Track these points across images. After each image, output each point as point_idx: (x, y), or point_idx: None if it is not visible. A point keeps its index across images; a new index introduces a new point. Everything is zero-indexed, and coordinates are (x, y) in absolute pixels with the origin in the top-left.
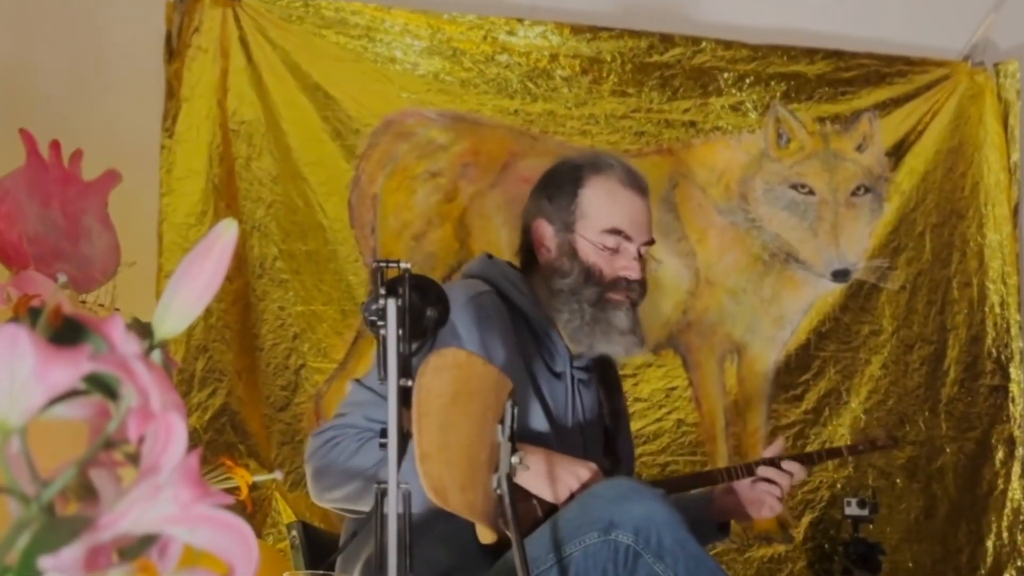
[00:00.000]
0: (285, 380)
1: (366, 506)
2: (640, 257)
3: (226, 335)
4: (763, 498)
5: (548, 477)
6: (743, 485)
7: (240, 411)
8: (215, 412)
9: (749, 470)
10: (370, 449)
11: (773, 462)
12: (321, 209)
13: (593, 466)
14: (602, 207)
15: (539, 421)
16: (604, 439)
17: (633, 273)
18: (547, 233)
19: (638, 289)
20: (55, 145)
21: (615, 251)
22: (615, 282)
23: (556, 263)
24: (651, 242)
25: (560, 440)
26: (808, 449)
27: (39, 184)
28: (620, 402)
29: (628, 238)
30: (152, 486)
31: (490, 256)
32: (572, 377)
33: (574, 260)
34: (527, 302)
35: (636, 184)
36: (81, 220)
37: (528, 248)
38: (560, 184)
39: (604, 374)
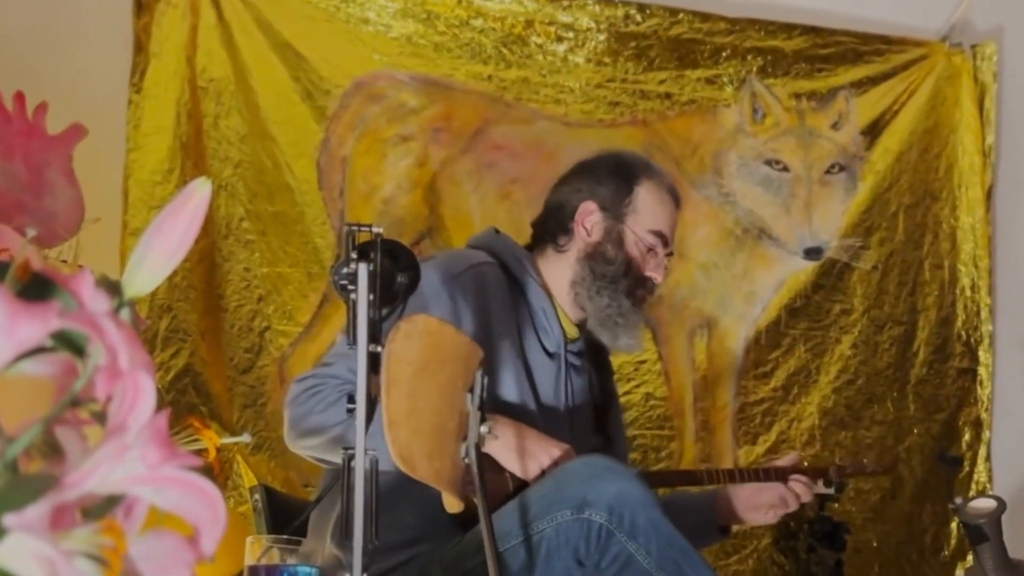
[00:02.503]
0: (249, 342)
1: (337, 457)
2: (664, 264)
3: (190, 295)
4: (774, 503)
5: (519, 451)
6: (746, 489)
7: (203, 372)
8: (177, 373)
9: (756, 475)
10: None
11: (780, 473)
12: (289, 170)
13: (566, 446)
14: (655, 208)
15: (526, 398)
16: (595, 418)
17: (660, 277)
18: (595, 216)
19: (653, 292)
20: (19, 96)
21: (652, 252)
22: (644, 280)
23: (600, 248)
24: (672, 253)
25: (546, 419)
26: (776, 427)
27: (1, 136)
28: (610, 384)
29: (665, 243)
30: (119, 445)
31: (497, 231)
32: (565, 360)
33: (619, 250)
34: (530, 280)
35: (676, 196)
36: (44, 174)
37: (556, 226)
38: (612, 174)
39: (596, 358)
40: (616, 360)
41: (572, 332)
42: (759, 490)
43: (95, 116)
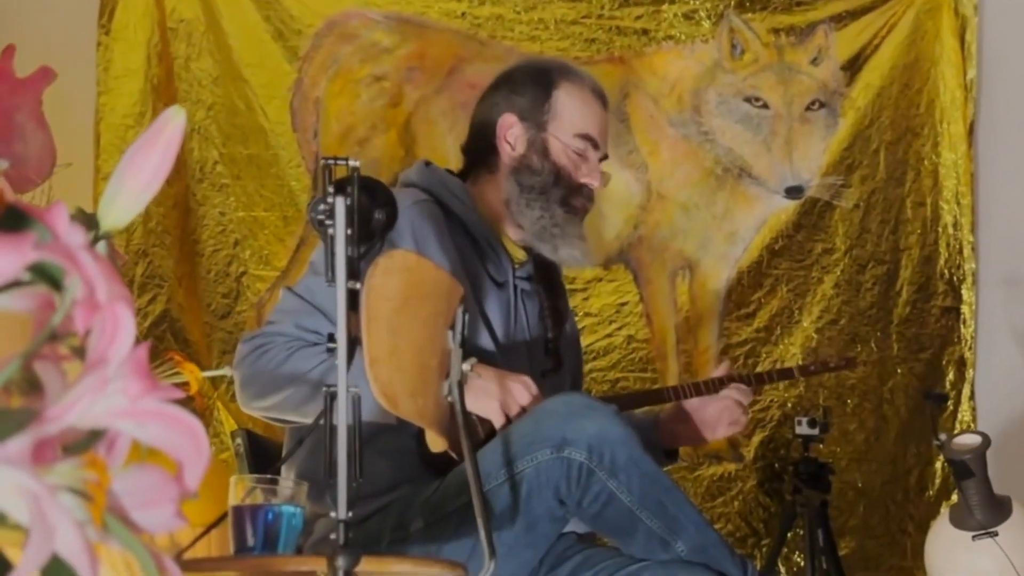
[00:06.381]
0: (226, 287)
1: (293, 416)
2: (600, 169)
3: (166, 240)
4: (722, 417)
5: (485, 392)
6: (695, 407)
7: (180, 318)
8: (155, 319)
9: (697, 389)
10: (299, 358)
11: (723, 382)
12: (263, 112)
13: (524, 378)
14: (576, 111)
15: (482, 334)
16: (545, 340)
17: (596, 182)
18: (516, 129)
19: (592, 201)
20: None
21: (583, 157)
22: (579, 188)
23: (525, 160)
24: (607, 157)
25: (503, 353)
26: (759, 368)
27: None
28: (562, 303)
29: (595, 146)
30: (100, 379)
31: (428, 163)
32: (515, 287)
33: (545, 159)
34: (467, 210)
35: (602, 96)
36: (13, 118)
37: (482, 145)
38: (529, 82)
39: (547, 280)
40: (597, 302)
41: (518, 255)
42: (701, 407)
43: (64, 59)
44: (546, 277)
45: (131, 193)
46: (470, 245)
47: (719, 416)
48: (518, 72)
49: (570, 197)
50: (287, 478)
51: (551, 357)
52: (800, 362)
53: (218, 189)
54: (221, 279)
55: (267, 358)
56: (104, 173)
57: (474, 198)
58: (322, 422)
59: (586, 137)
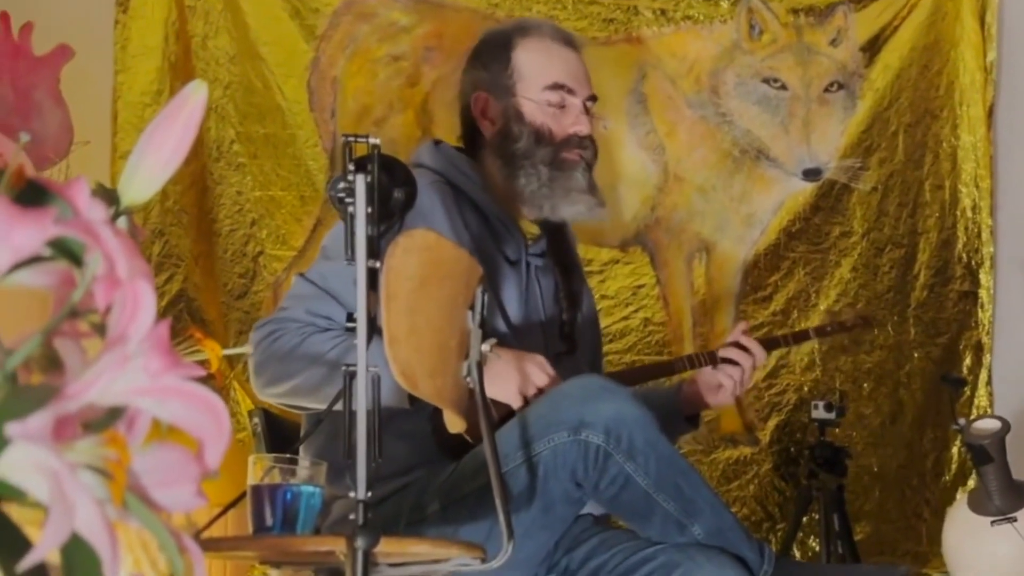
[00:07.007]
0: (243, 267)
1: (308, 401)
2: (587, 112)
3: (183, 219)
4: (722, 381)
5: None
6: (704, 372)
7: (197, 298)
8: (172, 298)
9: (712, 357)
10: (312, 344)
11: (736, 346)
12: (280, 91)
13: (550, 370)
14: (539, 64)
15: (494, 316)
16: (560, 323)
17: (583, 128)
18: (488, 104)
19: (590, 147)
20: (4, 17)
21: (561, 107)
22: (567, 140)
23: (503, 131)
24: (594, 98)
25: (516, 333)
26: (775, 352)
27: None
28: (578, 284)
29: (571, 92)
30: (120, 356)
31: (437, 143)
32: (528, 264)
33: (522, 124)
34: (477, 189)
35: (567, 40)
36: (31, 95)
37: (471, 127)
38: (489, 54)
39: (561, 256)
40: (614, 284)
41: (530, 229)
42: (710, 372)
43: (82, 37)
44: (560, 252)
45: (152, 168)
46: (482, 224)
47: (720, 380)
48: (479, 47)
49: (559, 152)
50: (305, 458)
51: (565, 340)
52: (816, 347)
53: (235, 168)
54: (238, 259)
55: (280, 344)
56: (121, 152)
57: (483, 176)
58: (339, 404)
59: (557, 86)
